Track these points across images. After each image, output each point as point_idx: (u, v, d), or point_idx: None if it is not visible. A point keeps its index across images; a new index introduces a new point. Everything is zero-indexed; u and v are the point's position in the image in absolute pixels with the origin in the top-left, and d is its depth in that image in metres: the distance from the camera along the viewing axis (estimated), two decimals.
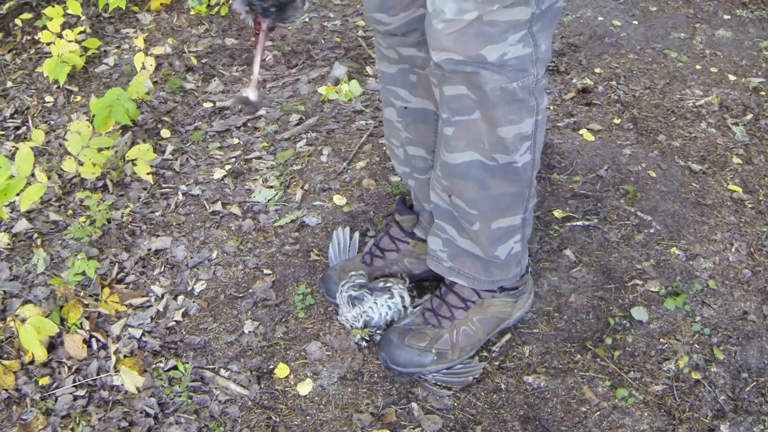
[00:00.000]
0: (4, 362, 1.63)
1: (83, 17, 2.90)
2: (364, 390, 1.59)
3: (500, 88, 1.28)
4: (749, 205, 2.05)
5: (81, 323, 1.71)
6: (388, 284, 1.67)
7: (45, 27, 2.62)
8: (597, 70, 2.60)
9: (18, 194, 1.86)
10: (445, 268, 1.58)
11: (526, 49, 1.27)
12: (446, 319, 1.60)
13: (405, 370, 1.58)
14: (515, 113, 1.33)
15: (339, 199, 2.07)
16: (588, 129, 2.31)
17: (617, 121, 2.35)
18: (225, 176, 2.16)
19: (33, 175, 1.90)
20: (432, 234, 1.59)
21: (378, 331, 1.63)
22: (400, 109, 1.59)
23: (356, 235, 1.91)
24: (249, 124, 2.39)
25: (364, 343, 1.64)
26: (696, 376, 1.60)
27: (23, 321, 1.63)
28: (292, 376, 1.62)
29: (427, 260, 1.63)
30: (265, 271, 1.86)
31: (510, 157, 1.37)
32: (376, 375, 1.61)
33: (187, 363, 1.64)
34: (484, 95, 1.29)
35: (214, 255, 1.92)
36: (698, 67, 2.65)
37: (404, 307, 1.65)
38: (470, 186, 1.42)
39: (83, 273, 1.78)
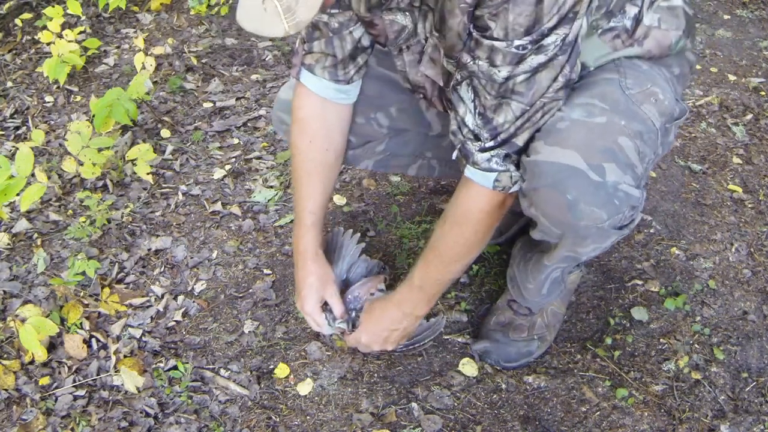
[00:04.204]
0: (4, 362, 1.63)
1: (83, 17, 2.90)
2: (364, 390, 1.59)
3: (596, 227, 1.22)
4: (749, 205, 2.05)
5: (81, 323, 1.71)
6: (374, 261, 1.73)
7: (45, 27, 2.62)
8: None
9: (18, 194, 1.85)
10: (509, 277, 1.64)
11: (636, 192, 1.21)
12: None
13: (517, 363, 1.62)
14: (601, 242, 1.30)
15: (339, 199, 2.06)
16: None
17: None
18: (225, 176, 2.16)
19: (33, 175, 1.90)
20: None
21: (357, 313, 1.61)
22: None
23: (356, 236, 1.91)
24: (249, 124, 2.39)
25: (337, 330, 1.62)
26: (696, 376, 1.60)
27: (23, 321, 1.63)
28: (292, 376, 1.62)
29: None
30: (265, 271, 1.86)
31: (577, 262, 1.46)
32: (376, 375, 1.61)
33: (187, 363, 1.64)
34: (577, 234, 1.26)
35: (214, 255, 1.92)
36: (698, 67, 2.64)
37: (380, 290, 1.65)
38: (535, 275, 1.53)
39: (83, 273, 1.78)
